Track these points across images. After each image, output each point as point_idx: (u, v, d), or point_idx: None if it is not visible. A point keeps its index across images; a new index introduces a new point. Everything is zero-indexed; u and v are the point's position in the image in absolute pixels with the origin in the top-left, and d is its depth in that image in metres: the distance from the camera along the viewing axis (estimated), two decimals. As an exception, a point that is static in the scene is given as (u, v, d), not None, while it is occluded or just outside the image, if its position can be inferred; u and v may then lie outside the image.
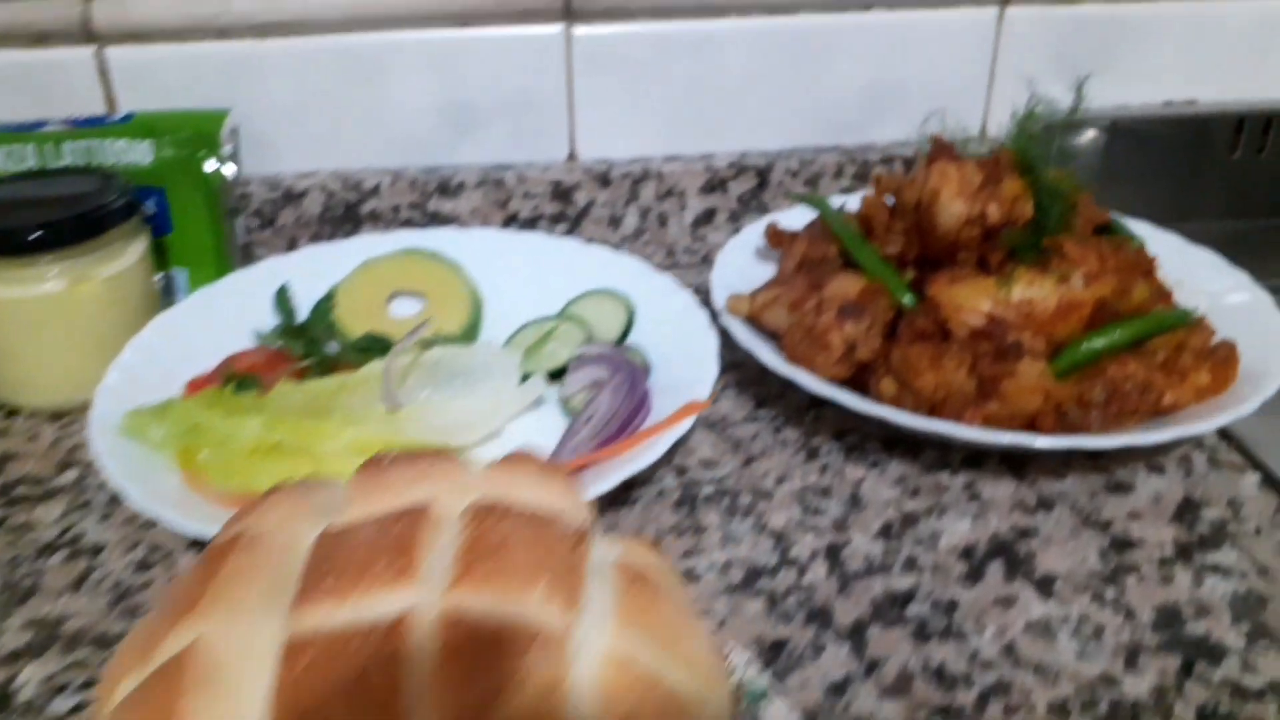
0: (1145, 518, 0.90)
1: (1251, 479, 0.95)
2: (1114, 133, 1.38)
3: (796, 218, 1.19)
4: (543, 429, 1.01)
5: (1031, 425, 0.91)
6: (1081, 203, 1.05)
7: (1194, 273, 1.13)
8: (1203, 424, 0.88)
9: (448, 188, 1.28)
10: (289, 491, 0.54)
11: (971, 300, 0.96)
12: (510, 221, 1.31)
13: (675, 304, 1.09)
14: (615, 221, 1.33)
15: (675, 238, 1.35)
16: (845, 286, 0.97)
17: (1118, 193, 1.42)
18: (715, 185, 1.32)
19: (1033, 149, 1.01)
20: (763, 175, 1.32)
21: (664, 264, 1.36)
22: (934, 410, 0.94)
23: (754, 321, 1.04)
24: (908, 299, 1.01)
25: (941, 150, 1.00)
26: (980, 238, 0.98)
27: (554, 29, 1.25)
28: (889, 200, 1.07)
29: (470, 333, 1.14)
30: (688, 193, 1.32)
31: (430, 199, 1.29)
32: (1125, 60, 1.37)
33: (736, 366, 1.10)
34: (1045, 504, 0.92)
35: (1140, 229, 1.19)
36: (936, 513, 0.91)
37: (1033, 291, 0.96)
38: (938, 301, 0.98)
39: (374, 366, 1.01)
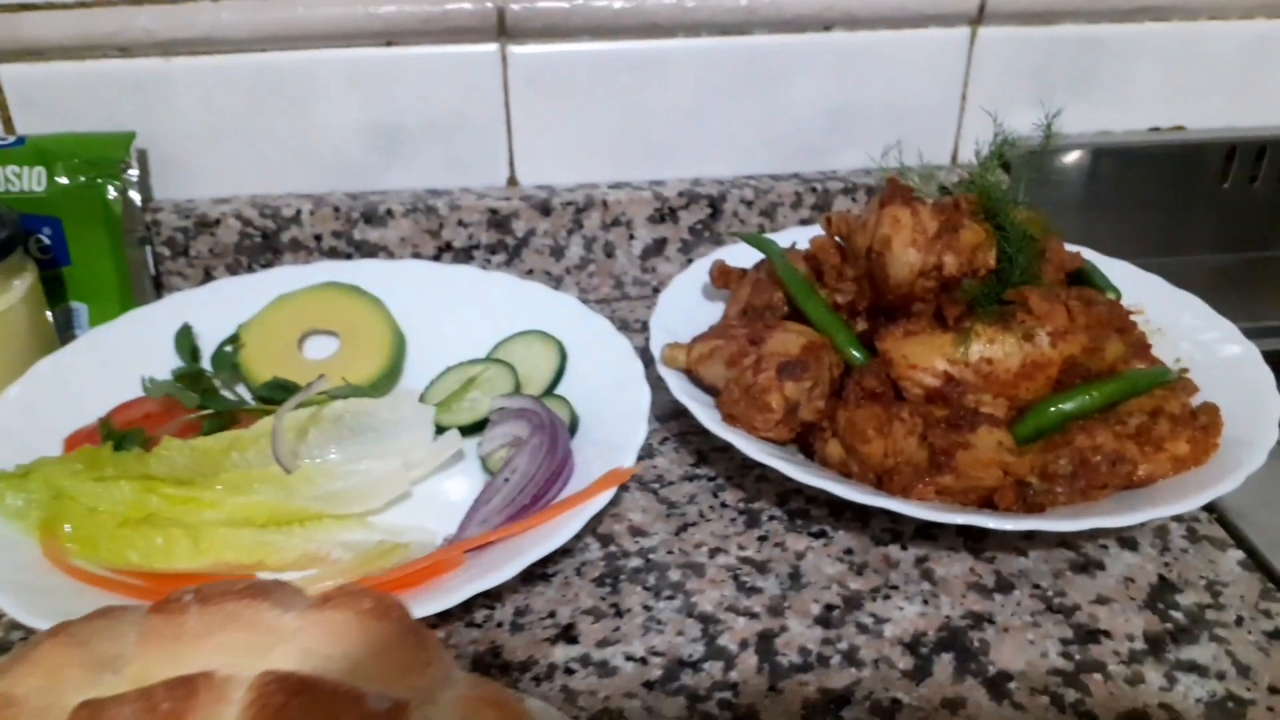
0: (1114, 602, 0.81)
1: (1234, 557, 0.86)
2: (1097, 160, 1.29)
3: (746, 254, 1.10)
4: (458, 489, 0.92)
5: (989, 500, 0.83)
6: (1051, 247, 0.96)
7: (1177, 320, 1.04)
8: (1177, 504, 0.79)
9: (374, 215, 1.19)
10: (65, 639, 0.45)
11: (926, 358, 0.87)
12: (443, 252, 1.22)
13: (610, 351, 1.00)
14: (558, 252, 1.23)
15: (624, 268, 1.26)
16: (786, 342, 0.88)
17: (1100, 224, 1.33)
18: (665, 215, 1.23)
19: (997, 190, 0.92)
20: (715, 205, 1.23)
21: (612, 296, 1.27)
22: (882, 480, 0.85)
23: (691, 374, 0.95)
24: (857, 354, 0.92)
25: (895, 192, 0.91)
26: (936, 289, 0.89)
27: (488, 48, 1.16)
28: (841, 241, 0.98)
29: (390, 376, 1.05)
30: (635, 222, 1.23)
31: (355, 227, 1.20)
32: (1107, 84, 1.28)
33: (678, 416, 1.01)
34: (1004, 585, 0.83)
35: (1119, 271, 1.10)
36: (883, 593, 0.82)
37: (994, 350, 0.87)
38: (889, 358, 0.89)
39: (271, 421, 0.92)
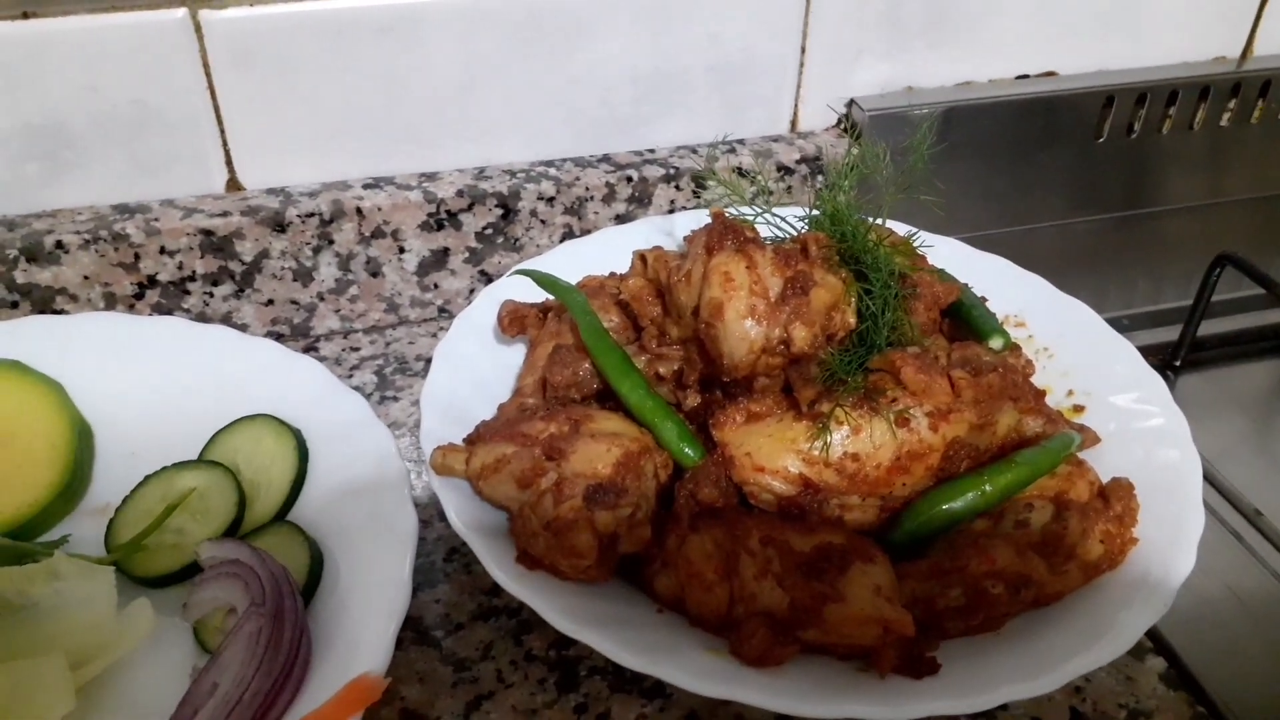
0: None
1: (1154, 668, 0.70)
2: (951, 119, 1.08)
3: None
4: (162, 676, 0.67)
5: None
6: (921, 281, 0.75)
7: (1064, 335, 0.86)
8: (1105, 647, 0.61)
9: (40, 250, 0.87)
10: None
11: (775, 456, 0.66)
12: (145, 289, 0.91)
13: (363, 444, 0.75)
14: (303, 275, 0.95)
15: (396, 288, 0.99)
16: (595, 457, 0.65)
17: (961, 190, 1.14)
18: (442, 220, 0.96)
19: (854, 219, 0.70)
20: (506, 204, 0.97)
21: (385, 322, 1.00)
22: (728, 627, 0.64)
23: (474, 487, 0.70)
24: (689, 452, 0.69)
25: (724, 234, 0.67)
26: (784, 365, 0.67)
27: (174, 14, 0.84)
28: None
29: (65, 495, 0.77)
30: (404, 232, 0.96)
31: (16, 268, 0.88)
32: (967, 25, 1.06)
33: (467, 515, 0.77)
34: (887, 750, 0.65)
35: (998, 273, 0.91)
36: (736, 784, 0.63)
37: (859, 442, 0.66)
38: (729, 455, 0.67)
39: None
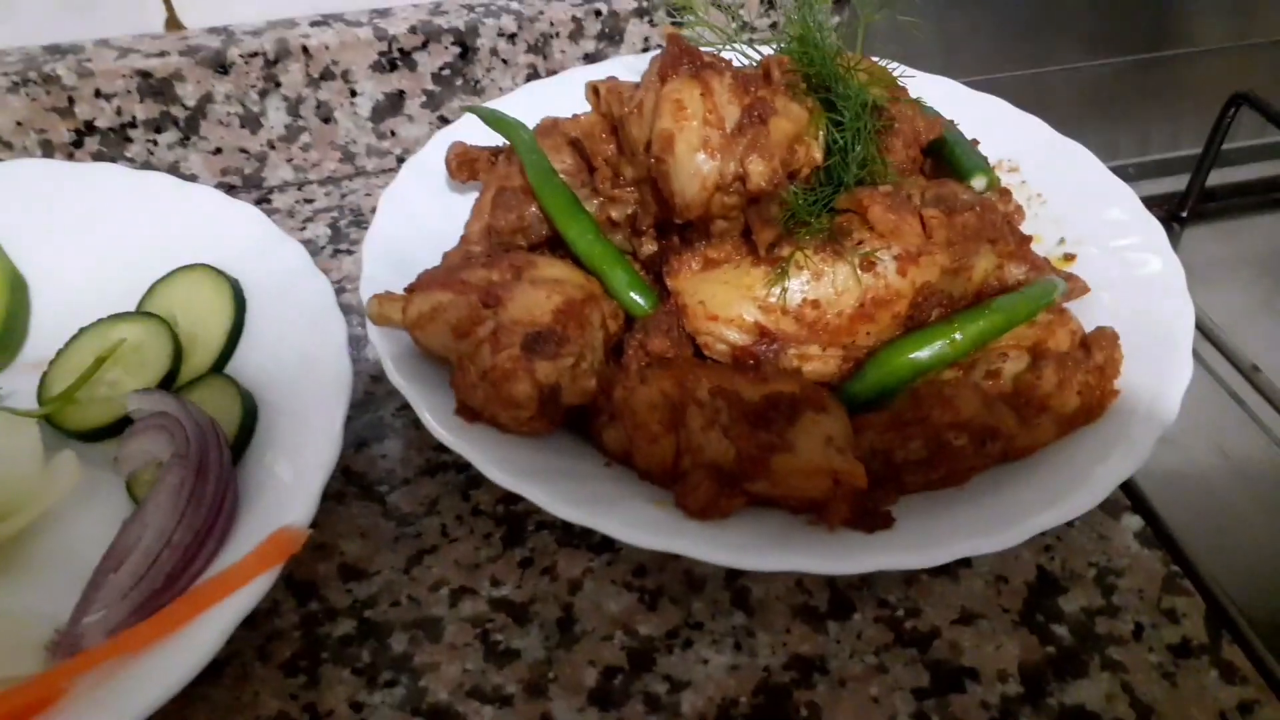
0: (982, 620, 0.62)
1: (1129, 526, 0.67)
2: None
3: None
4: (93, 531, 0.64)
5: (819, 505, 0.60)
6: (900, 114, 0.68)
7: (1063, 180, 0.80)
8: (1072, 501, 0.58)
9: (-37, 94, 0.82)
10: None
11: (730, 304, 0.62)
12: (83, 137, 0.86)
13: (302, 294, 0.71)
14: (251, 121, 0.89)
15: (350, 135, 0.93)
16: (533, 303, 0.60)
17: (958, 29, 1.06)
18: (395, 61, 0.89)
19: (824, 41, 0.63)
20: (464, 42, 0.90)
21: (341, 173, 0.95)
22: (677, 480, 0.61)
23: (412, 336, 0.66)
24: (640, 301, 0.65)
25: (678, 57, 0.61)
26: (742, 205, 0.62)
27: None
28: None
29: (4, 346, 0.74)
30: (355, 73, 0.89)
31: (-60, 112, 0.83)
32: None
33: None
34: (841, 606, 0.62)
35: (990, 113, 0.85)
36: (683, 639, 0.61)
37: (821, 288, 0.61)
38: (682, 304, 0.63)
39: None
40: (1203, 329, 0.82)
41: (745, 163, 0.58)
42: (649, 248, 0.68)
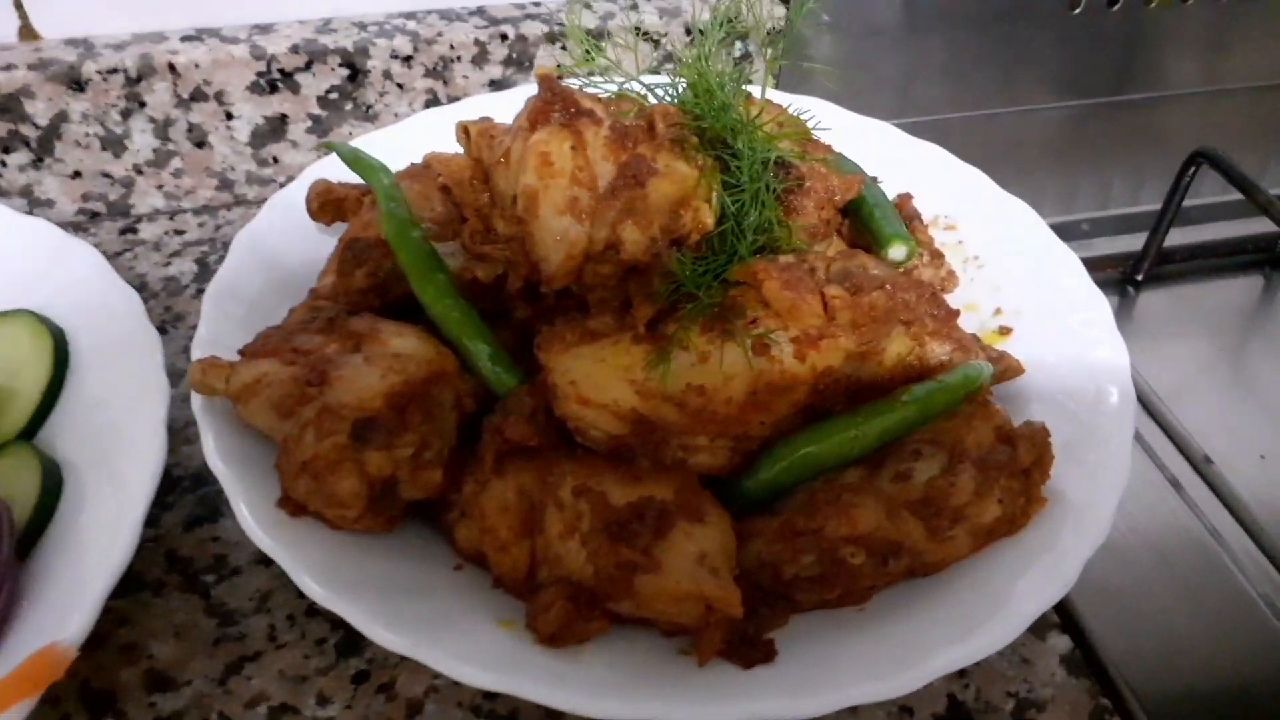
0: (882, 756, 0.54)
1: (1055, 648, 0.59)
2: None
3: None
4: None
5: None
6: (813, 172, 0.60)
7: (1002, 242, 0.73)
8: (984, 637, 0.50)
9: None
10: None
11: (604, 387, 0.53)
12: (-81, 155, 0.77)
13: (130, 351, 0.62)
14: (114, 144, 0.81)
15: (228, 161, 0.84)
16: (363, 381, 0.52)
17: (918, 68, 0.98)
18: (275, 81, 0.81)
19: (723, 87, 0.55)
20: (353, 64, 0.81)
21: (218, 202, 0.86)
22: (531, 591, 0.53)
23: (236, 410, 0.57)
24: (504, 375, 0.56)
25: (551, 101, 0.52)
26: (617, 275, 0.54)
27: None
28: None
29: None
30: (231, 93, 0.80)
31: None
32: None
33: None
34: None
35: (928, 160, 0.77)
36: (535, 777, 0.52)
37: (708, 372, 0.53)
38: (551, 383, 0.54)
39: None
40: (1150, 410, 0.74)
41: (618, 229, 0.50)
42: (523, 311, 0.59)
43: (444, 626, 0.49)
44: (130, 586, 0.59)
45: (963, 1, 0.96)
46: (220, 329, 0.62)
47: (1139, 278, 0.87)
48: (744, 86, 0.59)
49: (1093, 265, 0.86)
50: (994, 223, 0.74)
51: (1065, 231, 0.83)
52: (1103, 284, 0.86)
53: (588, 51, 0.56)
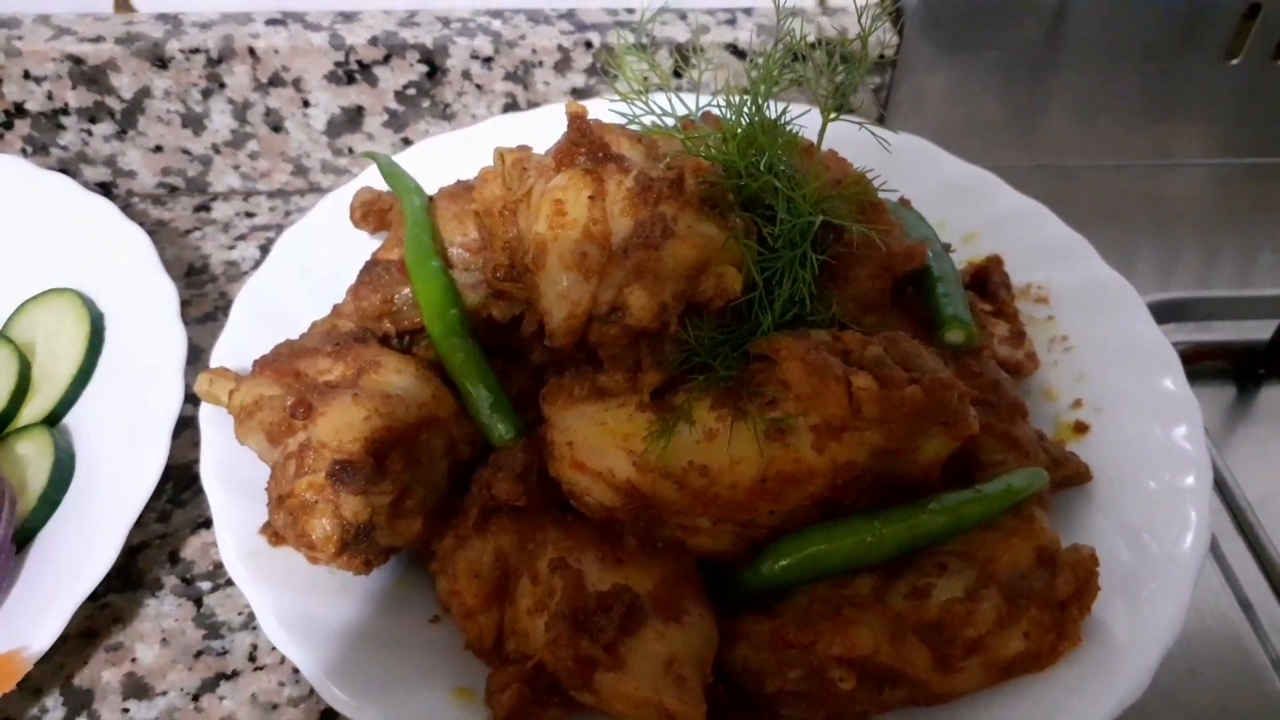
0: None
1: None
2: (1054, 14, 0.83)
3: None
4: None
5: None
6: (866, 241, 0.54)
7: (1092, 323, 0.65)
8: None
9: (-116, 61, 0.76)
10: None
11: (600, 452, 0.50)
12: (12, 119, 0.79)
13: (156, 345, 0.62)
14: (193, 122, 0.81)
15: (303, 148, 0.84)
16: (343, 425, 0.49)
17: (1052, 114, 0.90)
18: (353, 73, 0.79)
19: (774, 139, 0.50)
20: (432, 60, 0.79)
21: (293, 187, 0.86)
22: (499, 659, 0.50)
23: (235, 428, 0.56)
24: (502, 427, 0.53)
25: (579, 141, 0.49)
26: (627, 338, 0.49)
27: None
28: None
29: None
30: (308, 82, 0.80)
31: None
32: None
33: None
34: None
35: (1040, 240, 0.69)
36: None
37: (713, 452, 0.49)
38: (549, 439, 0.51)
39: None
40: (1237, 518, 0.66)
41: (625, 292, 0.46)
42: (541, 355, 0.56)
43: (399, 690, 0.47)
44: (130, 582, 0.59)
45: (1113, 36, 0.86)
46: (244, 336, 0.61)
47: (1262, 371, 0.77)
48: (800, 131, 0.54)
49: (1214, 351, 0.78)
50: (1091, 301, 0.66)
51: (1189, 309, 0.74)
52: (1220, 374, 0.78)
53: (627, 81, 0.52)
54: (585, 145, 0.49)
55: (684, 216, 0.47)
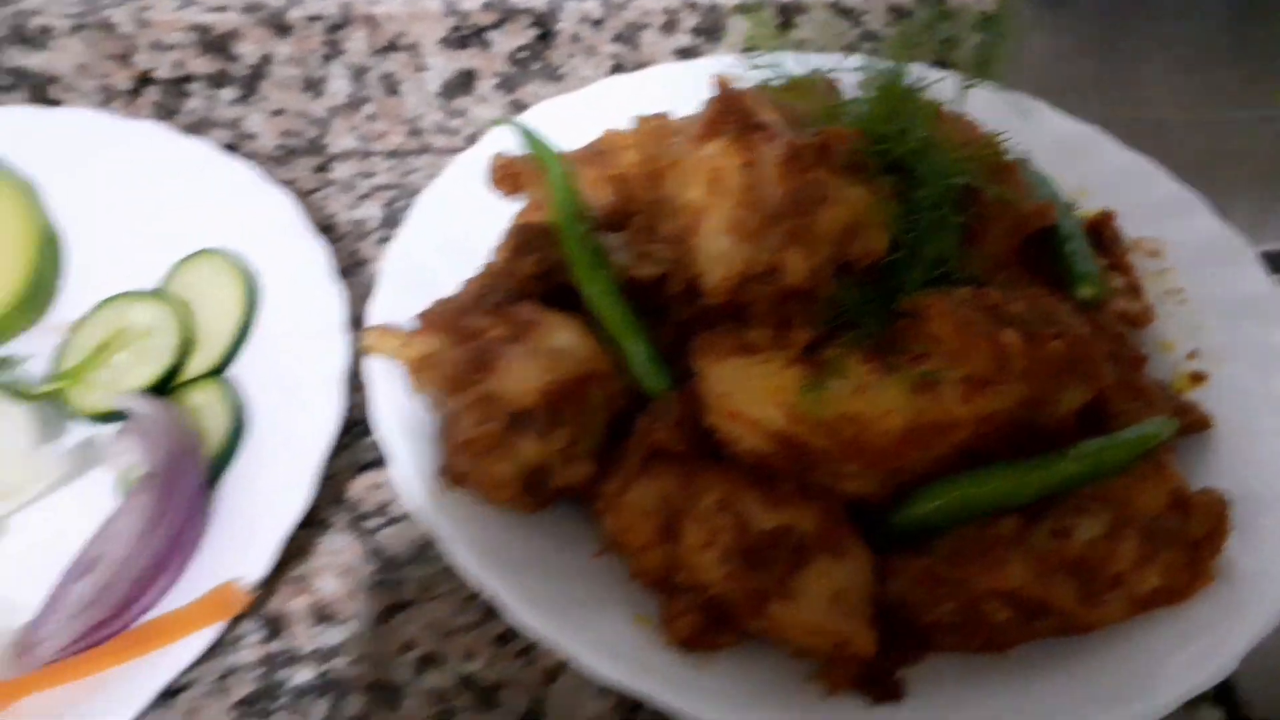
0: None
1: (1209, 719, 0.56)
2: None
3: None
4: (82, 520, 0.62)
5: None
6: (998, 199, 0.57)
7: (1210, 278, 0.67)
8: (1119, 712, 0.48)
9: (26, 34, 0.79)
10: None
11: (756, 402, 0.53)
12: (142, 86, 0.83)
13: (314, 302, 0.66)
14: (314, 86, 0.84)
15: (418, 110, 0.87)
16: (524, 375, 0.53)
17: (1142, 52, 0.90)
18: (467, 38, 0.82)
19: (911, 107, 0.52)
20: (544, 24, 0.82)
21: (407, 148, 0.89)
22: (666, 590, 0.54)
23: (410, 378, 0.60)
24: (656, 378, 0.57)
25: (726, 111, 0.51)
26: (779, 296, 0.53)
27: None
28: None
29: (30, 303, 0.72)
30: (423, 47, 0.82)
31: (6, 50, 0.80)
32: None
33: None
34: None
35: (1135, 176, 0.71)
36: (654, 764, 0.55)
37: (864, 402, 0.52)
38: (703, 391, 0.55)
39: None
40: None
41: (782, 255, 0.49)
42: (683, 314, 0.59)
43: (580, 619, 0.51)
44: (302, 522, 0.63)
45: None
46: (396, 295, 0.64)
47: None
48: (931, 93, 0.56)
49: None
50: (1204, 254, 0.68)
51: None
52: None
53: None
54: (733, 115, 0.52)
55: (834, 181, 0.50)
